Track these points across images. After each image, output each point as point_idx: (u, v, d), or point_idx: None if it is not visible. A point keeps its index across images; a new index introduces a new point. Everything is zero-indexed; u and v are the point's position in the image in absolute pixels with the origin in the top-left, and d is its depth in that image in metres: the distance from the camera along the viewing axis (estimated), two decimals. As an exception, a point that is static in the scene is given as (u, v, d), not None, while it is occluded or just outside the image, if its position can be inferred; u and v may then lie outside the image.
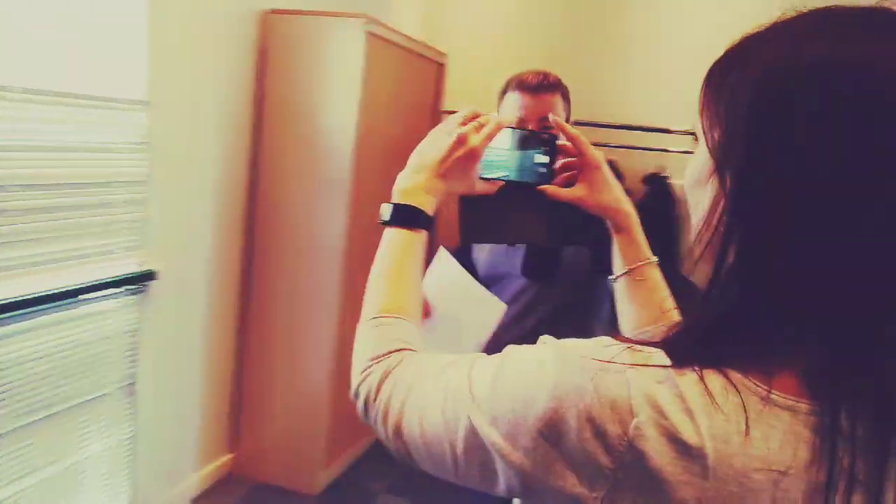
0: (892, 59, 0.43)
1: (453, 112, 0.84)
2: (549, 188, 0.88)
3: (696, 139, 0.56)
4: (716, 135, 0.51)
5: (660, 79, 3.40)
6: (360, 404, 0.65)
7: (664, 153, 3.22)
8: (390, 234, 0.76)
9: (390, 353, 0.65)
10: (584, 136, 0.88)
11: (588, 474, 0.46)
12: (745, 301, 0.48)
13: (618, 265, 0.90)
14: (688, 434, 0.44)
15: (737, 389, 0.45)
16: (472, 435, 0.52)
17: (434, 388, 0.58)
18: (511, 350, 0.56)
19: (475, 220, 0.95)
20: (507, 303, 1.14)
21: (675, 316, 0.86)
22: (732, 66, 0.51)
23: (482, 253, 1.40)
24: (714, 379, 0.46)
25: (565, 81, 1.37)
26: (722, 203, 0.50)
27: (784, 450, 0.44)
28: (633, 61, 3.44)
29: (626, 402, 0.45)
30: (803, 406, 0.45)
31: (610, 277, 0.92)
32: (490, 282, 1.29)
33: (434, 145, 0.79)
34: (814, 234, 0.45)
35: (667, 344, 0.49)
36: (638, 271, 0.87)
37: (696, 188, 0.55)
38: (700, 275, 0.52)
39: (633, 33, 3.44)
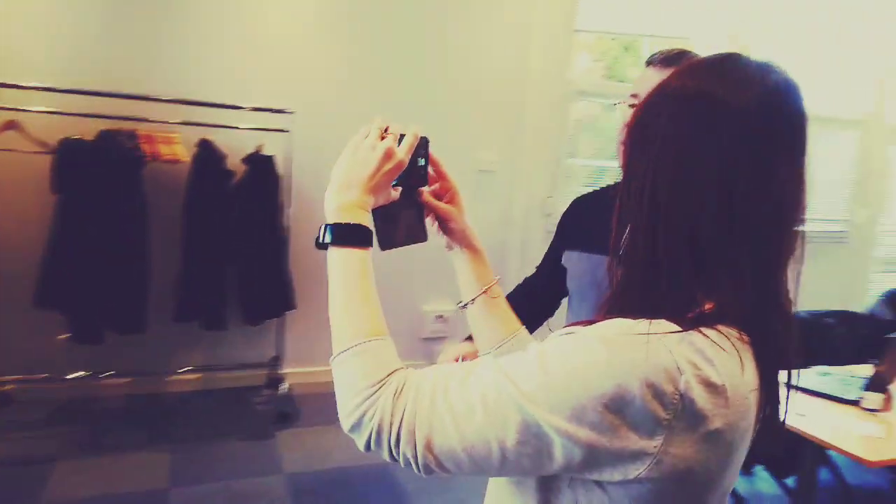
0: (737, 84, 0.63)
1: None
2: (428, 197, 0.91)
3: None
4: (629, 141, 0.69)
5: (247, 56, 3.41)
6: (367, 434, 0.62)
7: (263, 132, 3.27)
8: (340, 255, 0.73)
9: (390, 374, 0.64)
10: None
11: (648, 429, 0.56)
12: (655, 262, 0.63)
13: (472, 287, 0.95)
14: (714, 377, 0.57)
15: (725, 336, 0.60)
16: (526, 427, 0.57)
17: (463, 396, 0.60)
18: (543, 347, 0.61)
19: (386, 229, 0.85)
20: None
21: (521, 326, 0.95)
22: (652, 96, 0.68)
23: (571, 262, 1.43)
24: (709, 332, 0.59)
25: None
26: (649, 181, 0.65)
27: (752, 374, 0.61)
28: (224, 39, 3.37)
29: (673, 364, 0.56)
30: (746, 339, 0.61)
31: (462, 303, 0.96)
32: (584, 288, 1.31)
33: (360, 161, 0.77)
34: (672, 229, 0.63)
35: (667, 314, 0.60)
36: (491, 290, 0.94)
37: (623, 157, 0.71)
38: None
39: (222, 11, 3.35)
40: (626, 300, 0.64)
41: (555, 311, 1.59)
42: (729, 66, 0.64)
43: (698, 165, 0.61)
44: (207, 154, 3.20)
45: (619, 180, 0.92)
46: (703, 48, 3.56)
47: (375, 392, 0.63)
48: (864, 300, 5.47)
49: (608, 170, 4.60)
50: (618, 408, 0.56)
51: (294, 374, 3.61)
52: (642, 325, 0.58)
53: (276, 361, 3.46)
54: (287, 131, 3.30)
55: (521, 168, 4.09)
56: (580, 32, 4.18)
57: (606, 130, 4.46)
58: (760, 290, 0.62)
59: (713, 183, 0.60)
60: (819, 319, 2.82)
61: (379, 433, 0.62)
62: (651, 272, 0.63)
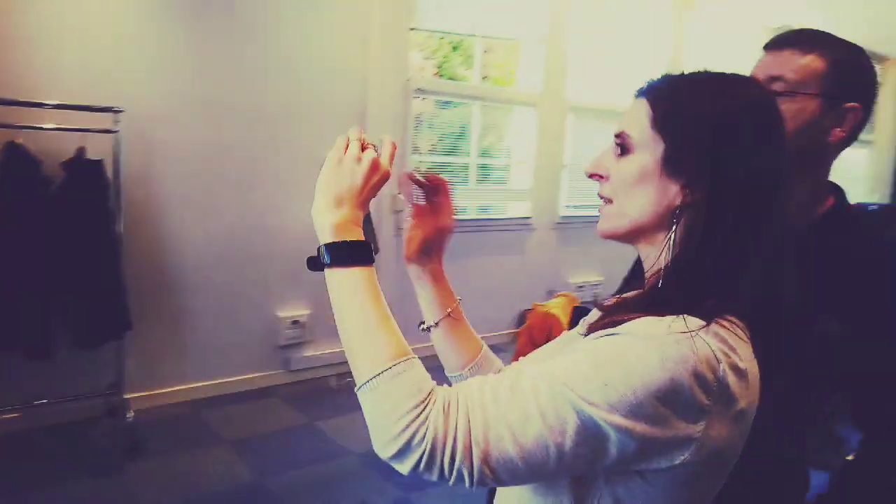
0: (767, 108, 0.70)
1: None
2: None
3: (624, 147, 0.71)
4: (661, 146, 0.68)
5: (64, 47, 3.02)
6: (417, 455, 0.60)
7: (83, 133, 2.91)
8: (346, 276, 0.70)
9: (431, 392, 0.63)
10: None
11: (694, 415, 0.61)
12: (704, 272, 0.67)
13: (436, 310, 0.93)
14: (739, 363, 0.63)
15: (738, 326, 0.66)
16: (584, 429, 0.59)
17: (517, 406, 0.60)
18: (592, 348, 0.63)
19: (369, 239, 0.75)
20: None
21: (483, 344, 0.95)
22: (684, 100, 0.68)
23: None
24: (726, 323, 0.65)
25: None
26: (680, 200, 0.68)
27: (756, 361, 0.67)
28: (38, 27, 2.94)
29: (712, 356, 0.61)
30: (748, 334, 0.68)
31: (425, 326, 0.93)
32: None
33: (347, 174, 0.74)
34: (736, 221, 0.66)
35: (689, 311, 0.64)
36: (455, 311, 0.93)
37: (635, 188, 0.70)
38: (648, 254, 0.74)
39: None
40: (658, 299, 0.67)
41: None
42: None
43: (745, 184, 0.67)
44: (17, 159, 2.78)
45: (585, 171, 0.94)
46: (528, 49, 3.79)
47: (423, 412, 0.61)
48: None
49: (450, 165, 4.76)
50: (670, 399, 0.59)
51: (137, 399, 3.28)
52: (679, 322, 0.62)
53: (116, 388, 3.12)
54: (115, 132, 2.97)
55: (367, 166, 4.07)
56: (415, 31, 4.26)
57: (440, 127, 4.59)
58: (756, 283, 0.67)
59: (747, 198, 0.67)
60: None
61: (432, 453, 0.60)
62: (692, 277, 0.67)
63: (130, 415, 3.07)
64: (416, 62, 4.84)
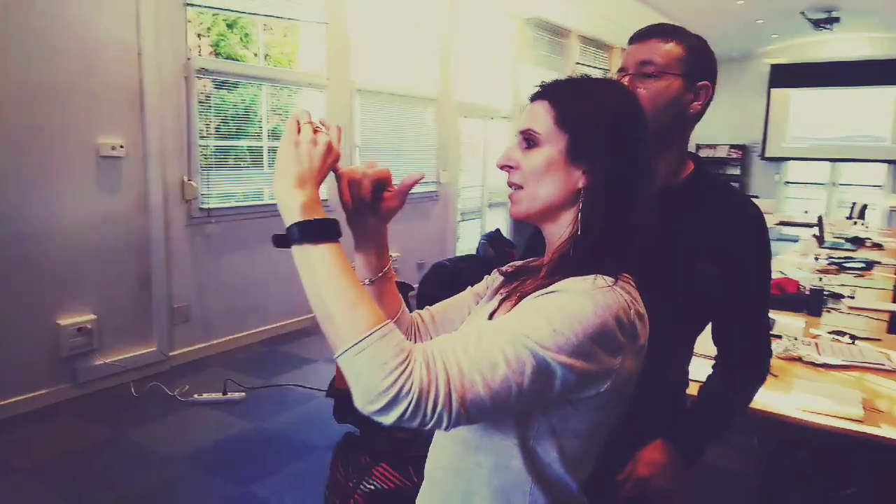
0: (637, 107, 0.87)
1: None
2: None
3: (530, 142, 0.84)
4: (563, 141, 0.81)
5: None
6: (404, 405, 0.67)
7: None
8: (318, 252, 0.74)
9: (411, 351, 0.70)
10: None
11: (614, 352, 0.76)
12: (607, 236, 0.81)
13: (374, 267, 0.97)
14: (640, 308, 0.81)
15: (630, 279, 0.82)
16: (538, 368, 0.72)
17: (484, 356, 0.71)
18: (538, 303, 0.76)
19: None
20: None
21: (402, 302, 1.01)
22: (579, 103, 0.81)
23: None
24: (624, 281, 0.81)
25: None
26: (582, 183, 0.81)
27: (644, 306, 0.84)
28: None
29: (626, 304, 0.78)
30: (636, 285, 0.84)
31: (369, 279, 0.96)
32: None
33: (305, 156, 0.78)
34: (626, 196, 0.83)
35: (599, 271, 0.79)
36: (390, 269, 0.98)
37: (543, 176, 0.83)
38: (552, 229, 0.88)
39: None
40: (574, 259, 0.82)
41: None
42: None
43: (633, 164, 0.84)
44: None
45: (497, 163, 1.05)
46: (308, 30, 3.83)
47: (407, 368, 0.68)
48: (456, 244, 6.71)
49: (237, 149, 4.57)
50: (600, 339, 0.74)
51: None
52: (600, 279, 0.78)
53: None
54: None
55: (151, 152, 3.75)
56: (190, 6, 3.98)
57: (222, 109, 4.38)
58: (631, 246, 0.85)
59: (631, 177, 0.84)
60: (457, 264, 3.43)
61: (419, 402, 0.68)
62: (600, 240, 0.82)
63: None
64: (192, 40, 4.54)
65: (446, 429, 0.71)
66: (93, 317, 3.54)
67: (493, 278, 1.02)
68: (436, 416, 0.69)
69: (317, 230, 0.75)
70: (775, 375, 2.19)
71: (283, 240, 0.76)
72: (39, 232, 3.30)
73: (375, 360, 0.68)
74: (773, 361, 2.28)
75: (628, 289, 0.81)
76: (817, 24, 7.87)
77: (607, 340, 0.75)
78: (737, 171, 10.83)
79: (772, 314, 2.92)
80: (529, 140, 0.85)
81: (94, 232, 3.53)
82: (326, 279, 0.73)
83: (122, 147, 3.61)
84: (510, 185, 0.89)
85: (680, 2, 7.07)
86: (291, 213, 0.76)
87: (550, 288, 0.78)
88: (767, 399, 2.00)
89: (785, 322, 2.84)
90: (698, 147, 11.02)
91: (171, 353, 4.00)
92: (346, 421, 2.87)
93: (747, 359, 1.33)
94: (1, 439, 3.00)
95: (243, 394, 3.59)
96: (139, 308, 3.82)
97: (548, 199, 0.85)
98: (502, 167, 0.89)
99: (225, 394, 3.55)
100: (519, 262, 1.01)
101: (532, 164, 0.85)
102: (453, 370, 0.70)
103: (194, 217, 4.08)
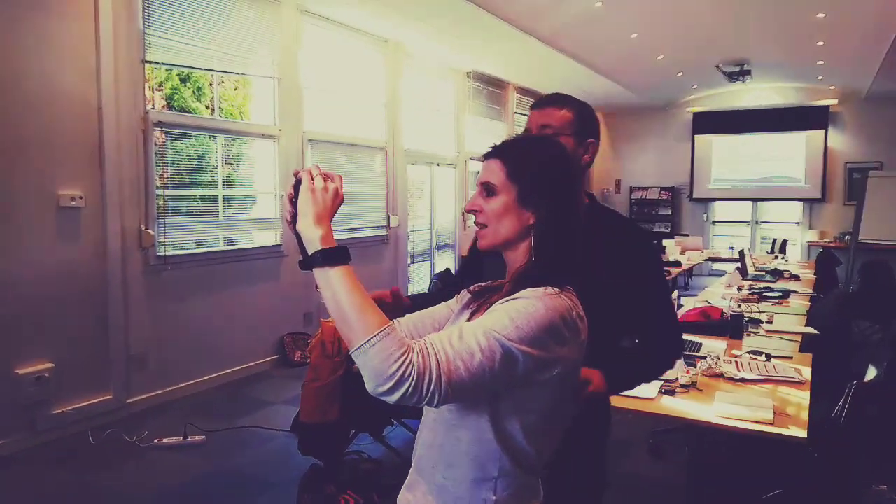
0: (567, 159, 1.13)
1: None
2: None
3: (489, 191, 1.08)
4: (514, 190, 1.05)
5: None
6: (406, 385, 0.88)
7: None
8: (337, 271, 0.94)
9: (409, 345, 0.91)
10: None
11: (561, 343, 0.99)
12: (554, 259, 1.04)
13: None
14: (580, 311, 1.05)
15: (572, 290, 1.06)
16: (505, 356, 0.94)
17: (464, 347, 0.93)
18: (506, 307, 0.98)
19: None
20: None
21: None
22: (524, 161, 1.07)
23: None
24: (567, 292, 1.04)
25: None
26: (532, 221, 1.06)
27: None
28: None
29: (569, 306, 1.02)
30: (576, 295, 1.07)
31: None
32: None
33: (320, 200, 0.99)
34: (566, 229, 1.07)
35: (547, 282, 1.02)
36: None
37: (502, 217, 1.07)
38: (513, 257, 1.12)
39: None
40: (531, 277, 1.06)
41: None
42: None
43: (569, 204, 1.10)
44: None
45: (465, 208, 1.27)
46: (258, 84, 4.08)
47: (407, 357, 0.89)
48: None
49: (191, 197, 4.69)
50: (551, 332, 0.98)
51: None
52: (549, 289, 1.01)
53: None
54: None
55: (109, 202, 3.85)
56: (147, 63, 4.15)
57: (175, 159, 4.51)
58: (573, 267, 1.10)
59: (569, 213, 1.10)
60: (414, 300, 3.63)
61: (418, 383, 0.88)
62: (549, 262, 1.07)
63: None
64: (148, 94, 4.69)
65: (437, 405, 0.92)
66: (50, 365, 3.57)
67: (463, 296, 1.25)
68: (429, 393, 0.90)
69: (334, 256, 0.95)
70: (700, 390, 2.47)
71: (308, 264, 0.97)
72: (1, 281, 3.35)
73: (382, 352, 0.88)
74: (699, 378, 2.58)
75: (571, 297, 1.05)
76: (732, 76, 8.61)
77: (556, 333, 0.98)
78: (668, 212, 11.49)
79: (698, 338, 3.26)
80: (488, 190, 1.10)
81: (52, 280, 3.59)
82: (343, 292, 0.93)
83: (81, 198, 3.70)
84: (477, 224, 1.14)
85: (606, 57, 7.65)
86: (314, 244, 0.96)
87: (514, 296, 1.01)
88: (693, 409, 2.27)
89: (710, 344, 3.16)
90: (632, 189, 11.68)
91: (128, 400, 4.02)
92: (310, 453, 2.99)
93: (658, 354, 1.60)
94: (-41, 491, 2.98)
95: (203, 437, 3.64)
96: (97, 355, 3.85)
97: (506, 235, 1.10)
98: (469, 211, 1.14)
99: (185, 438, 3.60)
100: (484, 284, 1.24)
101: (492, 209, 1.10)
102: (442, 358, 0.91)
103: (151, 264, 4.17)
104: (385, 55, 6.41)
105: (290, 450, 3.22)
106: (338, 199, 1.02)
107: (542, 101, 1.54)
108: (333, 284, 0.94)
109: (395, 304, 1.37)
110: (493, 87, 8.62)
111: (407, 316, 1.27)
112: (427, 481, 1.10)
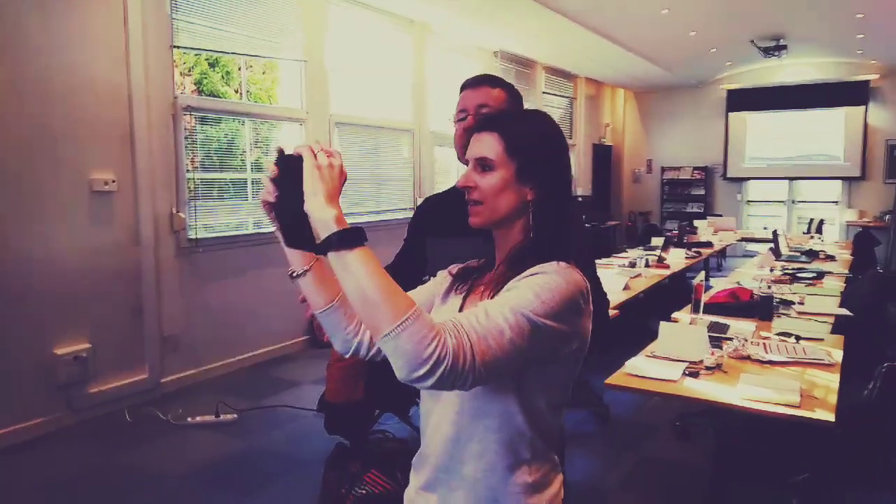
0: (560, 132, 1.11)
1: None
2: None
3: (485, 166, 1.05)
4: (513, 166, 1.02)
5: None
6: (441, 368, 0.83)
7: None
8: (353, 255, 0.87)
9: (439, 326, 0.86)
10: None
11: (580, 315, 0.99)
12: (553, 235, 1.04)
13: (305, 258, 1.05)
14: (588, 284, 1.02)
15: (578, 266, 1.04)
16: (532, 330, 0.92)
17: (493, 325, 0.90)
18: (529, 282, 0.96)
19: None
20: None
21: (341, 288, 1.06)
22: (523, 134, 1.04)
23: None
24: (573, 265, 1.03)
25: None
26: (530, 197, 1.04)
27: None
28: None
29: (582, 280, 1.00)
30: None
31: (294, 273, 1.05)
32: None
33: (328, 179, 0.92)
34: (564, 203, 1.05)
35: (555, 257, 1.02)
36: (318, 263, 1.06)
37: (500, 194, 1.05)
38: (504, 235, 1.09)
39: None
40: (532, 253, 1.05)
41: (413, 287, 1.84)
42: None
43: (565, 178, 1.10)
44: None
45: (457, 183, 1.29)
46: (285, 68, 4.10)
47: (440, 340, 0.84)
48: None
49: (222, 180, 4.76)
50: (571, 306, 0.96)
51: None
52: (563, 264, 1.00)
53: None
54: None
55: (141, 186, 3.94)
56: (176, 48, 4.21)
57: (205, 143, 4.57)
58: (570, 241, 1.09)
59: (565, 186, 1.10)
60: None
61: (453, 366, 0.84)
62: (549, 238, 1.06)
63: None
64: (177, 79, 4.75)
65: (469, 387, 0.89)
66: (87, 345, 3.68)
67: (442, 279, 1.22)
68: (464, 375, 0.85)
69: (352, 237, 0.87)
70: (725, 372, 2.44)
71: (323, 248, 0.88)
72: (37, 265, 3.45)
73: (415, 336, 0.83)
74: (725, 360, 2.55)
75: (579, 270, 1.04)
76: (767, 51, 8.36)
77: (576, 306, 0.97)
78: (701, 192, 11.26)
79: (726, 319, 3.21)
80: (485, 165, 1.07)
81: (87, 264, 3.69)
82: (366, 276, 0.86)
83: (113, 182, 3.79)
84: (470, 201, 1.09)
85: (636, 34, 7.48)
86: (329, 225, 0.88)
87: (530, 271, 1.00)
88: (717, 392, 2.24)
89: (738, 326, 3.11)
90: (664, 169, 11.47)
91: (162, 380, 4.14)
92: (336, 432, 3.05)
93: None
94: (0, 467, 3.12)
95: (235, 415, 3.74)
96: (132, 336, 3.96)
97: (504, 212, 1.06)
98: (463, 187, 1.09)
99: (217, 416, 3.69)
100: (463, 265, 1.22)
101: (489, 185, 1.06)
102: (473, 337, 0.87)
103: (182, 247, 4.26)
104: (412, 36, 6.38)
105: (317, 428, 3.28)
106: (342, 177, 0.96)
107: (476, 81, 1.59)
108: (353, 269, 0.87)
109: None
110: (521, 66, 8.52)
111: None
112: (453, 478, 1.07)
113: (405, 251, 1.94)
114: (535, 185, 1.05)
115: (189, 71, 5.30)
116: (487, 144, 1.06)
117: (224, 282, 4.55)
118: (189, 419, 3.68)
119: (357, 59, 5.76)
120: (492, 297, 1.02)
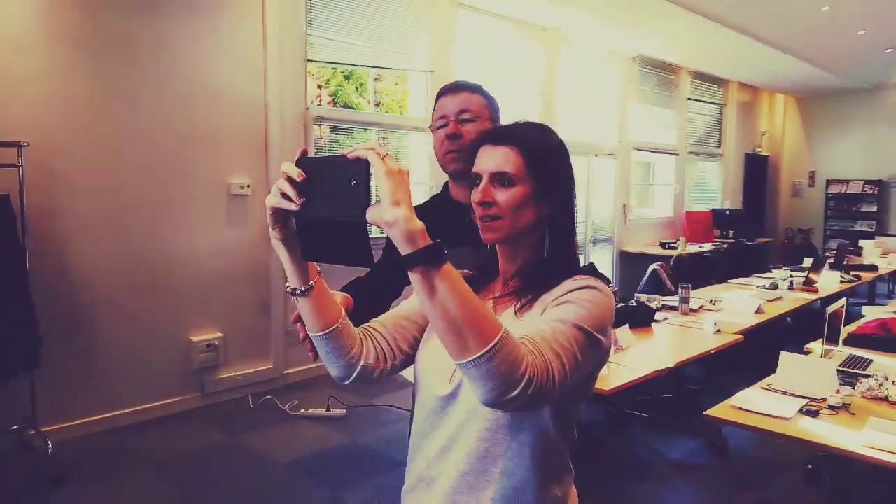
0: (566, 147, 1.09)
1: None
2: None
3: (505, 183, 1.02)
4: (532, 182, 1.02)
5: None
6: (532, 388, 0.80)
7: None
8: (440, 273, 0.78)
9: (523, 348, 0.83)
10: None
11: (610, 327, 0.99)
12: (567, 250, 1.07)
13: (306, 274, 0.94)
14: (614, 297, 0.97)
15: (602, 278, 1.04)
16: (587, 343, 0.92)
17: (559, 342, 0.89)
18: (581, 296, 0.96)
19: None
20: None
21: (342, 309, 1.03)
22: (541, 153, 1.04)
23: None
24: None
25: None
26: (545, 212, 1.04)
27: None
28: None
29: (612, 295, 1.01)
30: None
31: (294, 289, 0.94)
32: None
33: (403, 184, 0.79)
34: (574, 220, 1.07)
35: (576, 272, 1.02)
36: (320, 280, 0.97)
37: (521, 210, 1.02)
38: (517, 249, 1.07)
39: None
40: (548, 271, 1.04)
41: (392, 301, 1.83)
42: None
43: (574, 194, 1.09)
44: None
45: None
46: (415, 79, 4.18)
47: (527, 359, 0.81)
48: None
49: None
50: (609, 320, 0.98)
51: (54, 431, 3.24)
52: (594, 277, 1.02)
53: (31, 422, 3.08)
54: (18, 166, 2.99)
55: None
56: (310, 62, 4.49)
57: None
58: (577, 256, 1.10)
59: (574, 202, 1.10)
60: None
61: (543, 383, 0.82)
62: (564, 254, 1.07)
63: (49, 448, 3.05)
64: (312, 91, 5.06)
65: (543, 406, 0.93)
66: (220, 335, 4.02)
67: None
68: (551, 393, 0.84)
69: (438, 253, 0.79)
70: (852, 413, 2.14)
71: (410, 264, 0.78)
72: (180, 260, 3.84)
73: (509, 357, 0.78)
74: (854, 399, 2.24)
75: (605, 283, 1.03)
76: (960, 48, 7.28)
77: (611, 320, 0.99)
78: (873, 208, 10.04)
79: (870, 353, 2.82)
80: (504, 180, 1.02)
81: (223, 261, 4.04)
82: (454, 295, 0.79)
83: (248, 186, 4.12)
84: (487, 216, 1.03)
85: (792, 34, 6.83)
86: (416, 239, 0.77)
87: (574, 285, 0.98)
88: (836, 435, 1.97)
89: (883, 362, 2.72)
90: (828, 182, 10.37)
91: (285, 371, 4.42)
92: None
93: None
94: (138, 438, 3.49)
95: (344, 411, 3.90)
96: (259, 328, 4.28)
97: (522, 227, 1.04)
98: (480, 203, 1.04)
99: (328, 410, 3.87)
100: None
101: (510, 200, 1.02)
102: (549, 355, 0.85)
103: (308, 249, 4.51)
104: (544, 43, 6.31)
105: (416, 432, 3.32)
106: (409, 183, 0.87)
107: (455, 87, 1.58)
108: (440, 287, 0.79)
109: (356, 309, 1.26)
110: (663, 71, 8.11)
111: (378, 320, 1.14)
112: (479, 498, 1.01)
113: (384, 262, 1.82)
114: (551, 201, 1.05)
115: (326, 83, 5.63)
116: (506, 158, 1.02)
117: (346, 282, 4.75)
118: (303, 410, 3.89)
119: (484, 68, 5.80)
120: (520, 312, 1.01)
